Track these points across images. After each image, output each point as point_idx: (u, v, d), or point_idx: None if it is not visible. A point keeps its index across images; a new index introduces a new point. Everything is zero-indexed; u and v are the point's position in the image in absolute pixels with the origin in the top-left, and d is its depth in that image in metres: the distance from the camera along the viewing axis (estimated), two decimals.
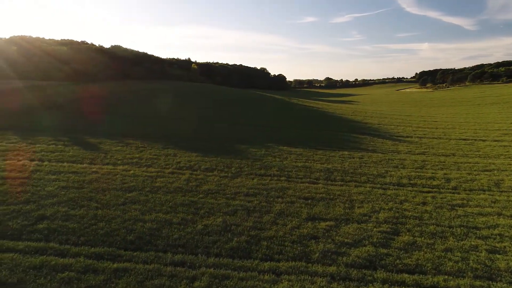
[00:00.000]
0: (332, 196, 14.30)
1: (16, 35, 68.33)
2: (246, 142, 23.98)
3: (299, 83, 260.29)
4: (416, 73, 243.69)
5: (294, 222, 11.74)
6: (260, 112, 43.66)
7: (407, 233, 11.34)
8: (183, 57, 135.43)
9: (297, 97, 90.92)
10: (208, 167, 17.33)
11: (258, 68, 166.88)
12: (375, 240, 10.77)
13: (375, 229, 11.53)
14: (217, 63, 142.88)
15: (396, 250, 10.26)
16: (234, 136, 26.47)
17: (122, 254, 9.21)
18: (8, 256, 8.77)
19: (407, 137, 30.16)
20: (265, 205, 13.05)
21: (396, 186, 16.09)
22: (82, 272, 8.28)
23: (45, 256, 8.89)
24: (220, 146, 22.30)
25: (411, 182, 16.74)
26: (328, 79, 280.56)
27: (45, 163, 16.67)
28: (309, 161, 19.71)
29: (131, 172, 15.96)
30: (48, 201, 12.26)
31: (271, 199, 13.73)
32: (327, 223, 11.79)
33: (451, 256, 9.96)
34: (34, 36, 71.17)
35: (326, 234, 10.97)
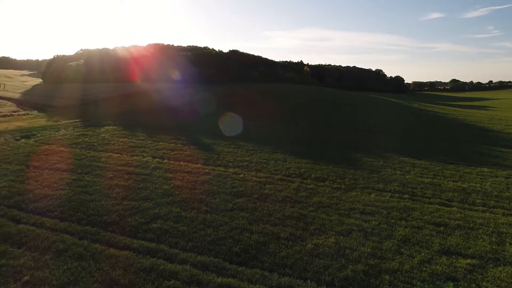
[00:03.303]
0: (472, 225, 11.62)
1: (151, 43, 77.92)
2: (361, 150, 21.95)
3: (419, 85, 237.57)
4: None
5: (423, 254, 9.70)
6: (374, 117, 40.42)
7: None
8: (295, 59, 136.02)
9: (418, 101, 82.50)
10: (319, 176, 16.09)
11: (373, 69, 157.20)
12: None
13: None
14: (329, 65, 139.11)
15: None
16: (347, 142, 24.62)
17: (227, 267, 8.67)
18: (124, 254, 9.01)
19: None
20: (386, 228, 11.21)
21: None
22: (187, 283, 7.95)
23: (155, 258, 8.89)
24: (332, 152, 20.81)
25: None
26: (454, 81, 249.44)
27: (165, 161, 17.69)
28: (438, 177, 16.81)
29: (241, 175, 15.74)
30: (163, 199, 12.68)
31: (393, 220, 11.79)
32: (468, 260, 9.42)
33: None
34: (165, 43, 79.96)
35: (469, 277, 8.69)
